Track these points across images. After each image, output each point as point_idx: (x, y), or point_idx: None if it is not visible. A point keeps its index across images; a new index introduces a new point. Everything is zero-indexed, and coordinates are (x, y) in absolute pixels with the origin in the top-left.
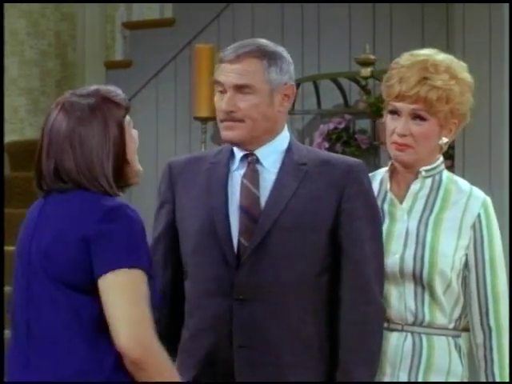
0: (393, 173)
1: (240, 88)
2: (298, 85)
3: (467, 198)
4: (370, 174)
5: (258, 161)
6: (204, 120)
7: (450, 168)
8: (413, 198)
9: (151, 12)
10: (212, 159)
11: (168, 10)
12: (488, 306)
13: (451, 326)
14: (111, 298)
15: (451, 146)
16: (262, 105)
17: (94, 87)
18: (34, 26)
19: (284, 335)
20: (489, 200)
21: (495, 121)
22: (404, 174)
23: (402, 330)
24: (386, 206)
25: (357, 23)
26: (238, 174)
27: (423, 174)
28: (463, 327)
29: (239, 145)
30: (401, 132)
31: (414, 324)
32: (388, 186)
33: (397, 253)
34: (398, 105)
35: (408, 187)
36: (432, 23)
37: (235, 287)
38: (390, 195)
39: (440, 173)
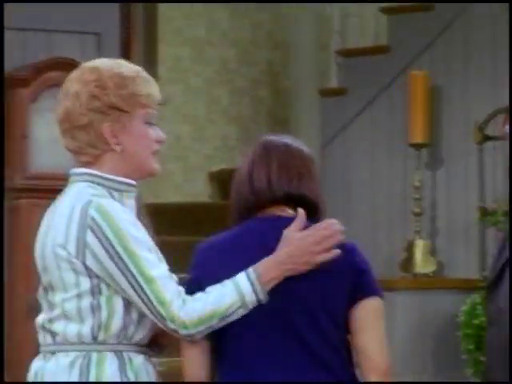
0: None
1: None
2: None
3: None
4: None
5: None
6: (420, 146)
7: None
8: None
9: (365, 39)
10: None
11: (382, 37)
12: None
13: None
14: (373, 321)
15: None
16: None
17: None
18: (244, 55)
19: None
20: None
21: None
22: None
23: None
24: None
25: None
26: None
27: None
28: None
29: None
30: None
31: None
32: None
33: None
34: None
35: None
36: None
37: None
38: None
39: None
